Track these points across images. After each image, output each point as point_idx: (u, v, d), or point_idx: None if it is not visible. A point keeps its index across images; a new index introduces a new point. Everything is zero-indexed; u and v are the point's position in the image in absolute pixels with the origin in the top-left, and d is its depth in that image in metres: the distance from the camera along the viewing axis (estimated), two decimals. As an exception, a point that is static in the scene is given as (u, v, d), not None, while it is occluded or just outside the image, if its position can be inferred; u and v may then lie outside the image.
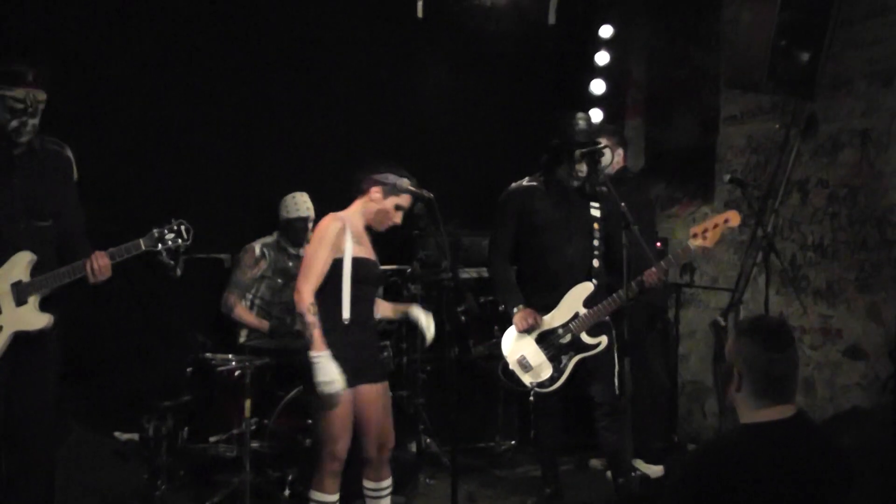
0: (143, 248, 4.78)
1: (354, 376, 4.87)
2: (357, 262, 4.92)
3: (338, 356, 4.78)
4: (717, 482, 2.91)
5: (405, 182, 5.05)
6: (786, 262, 6.94)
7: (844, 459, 3.08)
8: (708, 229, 5.45)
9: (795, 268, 7.20)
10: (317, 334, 4.77)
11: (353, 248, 4.94)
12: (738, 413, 3.15)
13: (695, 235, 5.48)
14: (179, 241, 4.83)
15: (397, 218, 5.11)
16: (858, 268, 6.81)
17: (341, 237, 4.91)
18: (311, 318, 4.79)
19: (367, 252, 5.07)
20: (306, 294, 4.82)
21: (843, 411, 6.66)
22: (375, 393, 5.02)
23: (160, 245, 4.80)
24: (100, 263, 4.66)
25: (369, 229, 5.15)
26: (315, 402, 4.83)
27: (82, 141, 5.15)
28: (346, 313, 4.88)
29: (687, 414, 7.86)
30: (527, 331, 5.67)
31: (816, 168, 7.12)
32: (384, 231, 5.15)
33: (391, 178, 5.06)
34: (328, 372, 4.72)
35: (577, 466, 7.16)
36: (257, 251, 6.65)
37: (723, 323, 6.79)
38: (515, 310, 5.71)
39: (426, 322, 5.21)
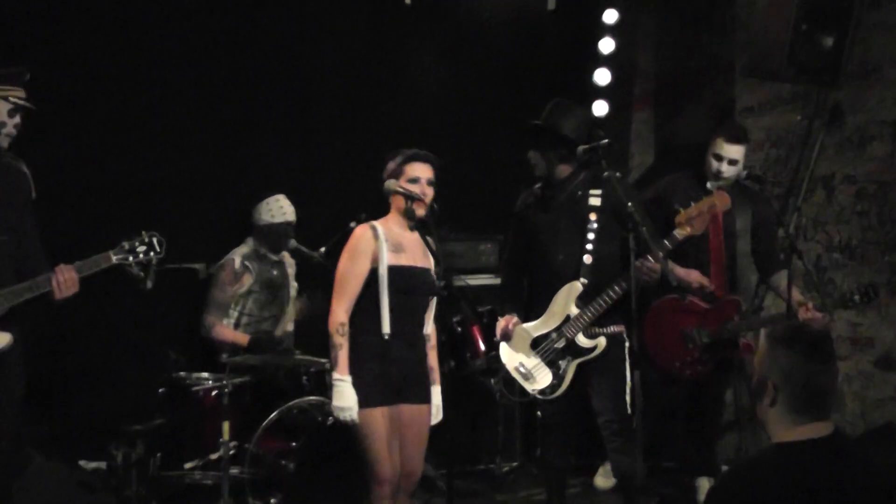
0: (114, 261, 4.88)
1: (396, 395, 4.97)
2: (394, 271, 4.94)
3: (379, 373, 4.91)
4: (752, 507, 2.86)
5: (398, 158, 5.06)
6: (810, 264, 6.92)
7: (884, 482, 2.97)
8: (693, 216, 5.39)
9: (820, 271, 7.19)
10: (342, 357, 4.87)
11: (390, 255, 4.95)
12: (769, 430, 3.09)
13: (680, 224, 5.42)
14: (151, 253, 4.97)
15: (420, 191, 5.00)
16: (890, 270, 6.81)
17: (373, 246, 4.95)
18: (339, 338, 4.89)
19: (411, 259, 5.05)
20: (338, 313, 4.92)
21: (875, 427, 6.65)
22: (414, 415, 5.06)
23: (131, 258, 4.93)
24: (66, 277, 4.73)
25: (423, 232, 5.10)
26: (354, 426, 4.89)
27: (41, 146, 5.14)
28: (385, 327, 4.91)
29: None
30: (504, 337, 5.74)
31: (842, 163, 7.11)
32: (427, 214, 5.05)
33: (390, 164, 5.06)
34: (345, 398, 4.81)
35: (584, 489, 7.16)
36: (237, 265, 6.62)
37: (742, 332, 6.72)
38: (500, 318, 5.83)
39: (434, 410, 5.21)
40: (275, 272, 6.72)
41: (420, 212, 5.00)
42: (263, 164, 7.09)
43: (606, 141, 5.53)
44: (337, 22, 7.45)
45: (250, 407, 5.99)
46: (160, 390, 6.00)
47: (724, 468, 6.32)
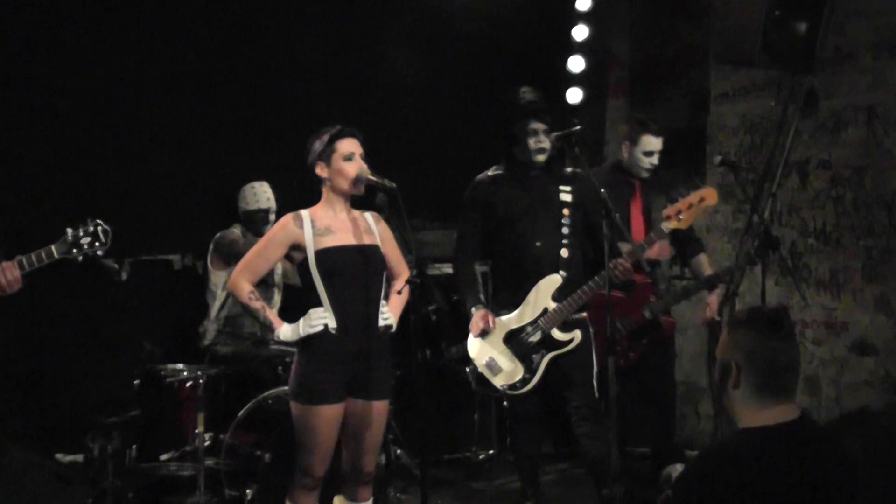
0: (56, 255, 4.66)
1: (347, 390, 4.82)
2: (323, 253, 4.75)
3: (328, 370, 4.74)
4: (720, 495, 2.87)
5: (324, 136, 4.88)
6: (785, 250, 6.91)
7: (853, 467, 3.03)
8: (682, 210, 5.44)
9: (795, 256, 7.21)
10: (270, 315, 4.83)
11: (317, 239, 4.77)
12: (734, 415, 3.09)
13: (667, 217, 5.46)
14: (97, 244, 4.73)
15: (354, 168, 4.82)
16: (865, 255, 6.82)
17: (294, 236, 4.80)
18: (255, 303, 4.80)
19: (342, 239, 4.83)
20: (240, 283, 4.80)
21: (850, 412, 6.69)
22: (364, 412, 4.88)
23: (75, 250, 4.69)
24: (9, 278, 4.56)
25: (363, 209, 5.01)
26: (295, 409, 4.77)
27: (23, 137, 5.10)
28: (331, 322, 4.74)
29: (680, 417, 7.83)
30: (482, 334, 5.67)
31: (817, 148, 7.12)
32: (364, 189, 4.86)
33: (316, 144, 4.88)
34: (307, 327, 4.71)
35: (559, 476, 7.17)
36: (238, 232, 6.64)
37: (717, 318, 6.78)
38: (473, 309, 5.72)
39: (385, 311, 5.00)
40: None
41: (360, 189, 4.84)
42: (239, 155, 7.01)
43: (579, 127, 5.60)
44: (312, 10, 7.38)
45: (226, 397, 5.99)
46: (135, 382, 5.94)
47: (693, 453, 6.42)
